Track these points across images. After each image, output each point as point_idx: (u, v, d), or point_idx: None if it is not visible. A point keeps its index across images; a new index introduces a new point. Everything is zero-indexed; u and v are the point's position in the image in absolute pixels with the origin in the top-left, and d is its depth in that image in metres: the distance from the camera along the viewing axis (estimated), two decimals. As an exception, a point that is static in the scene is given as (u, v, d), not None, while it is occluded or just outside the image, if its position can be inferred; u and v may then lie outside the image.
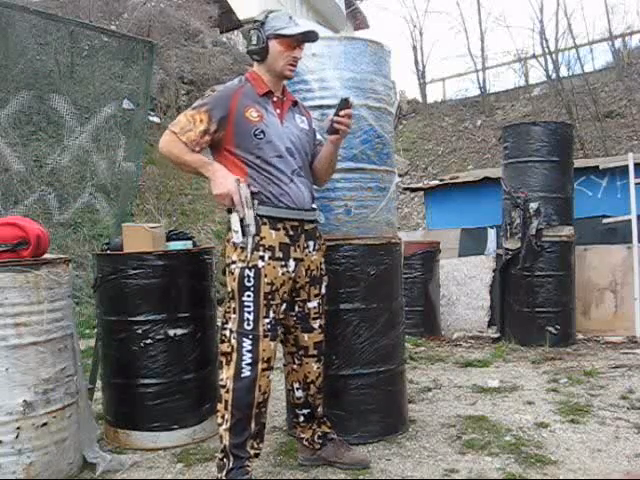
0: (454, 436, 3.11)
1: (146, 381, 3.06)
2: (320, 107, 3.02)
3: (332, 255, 2.99)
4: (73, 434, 2.72)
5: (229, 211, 2.46)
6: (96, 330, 3.75)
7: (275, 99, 2.57)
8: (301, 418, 2.78)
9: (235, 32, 18.08)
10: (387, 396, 3.11)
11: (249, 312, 2.40)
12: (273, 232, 2.44)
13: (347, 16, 26.90)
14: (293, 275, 2.52)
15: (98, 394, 3.57)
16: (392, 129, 3.25)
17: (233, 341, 2.43)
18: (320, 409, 2.79)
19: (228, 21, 16.43)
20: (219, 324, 2.59)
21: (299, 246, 2.53)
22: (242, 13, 17.35)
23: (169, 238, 3.30)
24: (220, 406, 2.46)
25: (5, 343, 2.48)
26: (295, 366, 2.71)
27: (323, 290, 2.69)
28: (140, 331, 3.05)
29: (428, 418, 3.44)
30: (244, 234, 2.39)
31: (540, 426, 3.23)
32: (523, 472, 2.62)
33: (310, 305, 2.64)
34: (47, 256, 2.75)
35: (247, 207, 2.38)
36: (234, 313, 2.43)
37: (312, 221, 2.62)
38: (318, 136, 2.77)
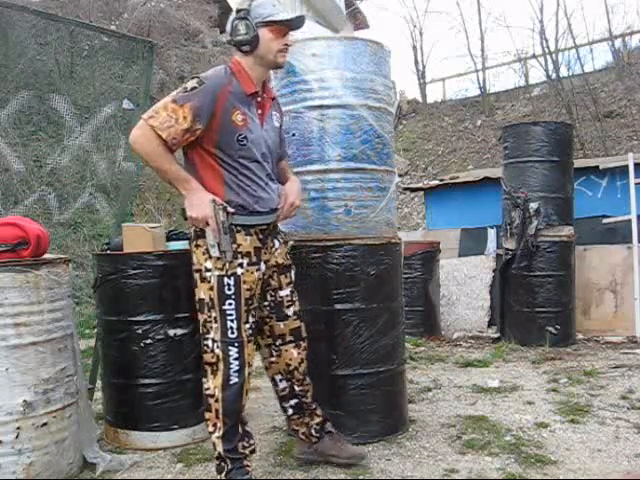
0: (454, 436, 3.11)
1: (146, 381, 3.06)
2: (320, 107, 3.02)
3: (332, 255, 2.99)
4: (73, 434, 2.72)
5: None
6: (96, 330, 3.75)
7: (259, 99, 2.49)
8: (290, 411, 2.74)
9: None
10: (387, 396, 3.11)
11: (232, 320, 2.38)
12: (248, 238, 2.43)
13: (347, 16, 26.89)
14: (264, 276, 2.53)
15: (98, 394, 3.57)
16: (392, 129, 3.25)
17: (217, 350, 2.40)
18: (309, 398, 2.74)
19: (228, 21, 16.41)
20: (200, 332, 2.49)
21: (267, 248, 2.53)
22: (242, 13, 17.31)
23: (169, 238, 3.30)
24: (210, 415, 2.44)
25: (5, 343, 2.48)
26: (274, 358, 2.67)
27: (293, 277, 2.69)
28: (140, 331, 3.04)
29: (428, 418, 3.43)
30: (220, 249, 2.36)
31: (540, 426, 3.23)
32: (523, 472, 2.62)
33: (282, 293, 2.62)
34: (47, 256, 2.75)
35: (223, 232, 2.32)
36: (215, 322, 2.39)
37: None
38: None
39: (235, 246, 2.38)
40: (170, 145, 2.29)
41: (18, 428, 2.49)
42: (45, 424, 2.56)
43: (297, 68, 3.04)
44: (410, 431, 3.20)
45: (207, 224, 2.31)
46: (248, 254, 2.42)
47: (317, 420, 2.76)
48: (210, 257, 2.37)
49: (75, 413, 2.75)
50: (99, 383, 3.50)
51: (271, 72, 3.09)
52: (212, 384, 2.42)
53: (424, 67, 18.16)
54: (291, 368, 2.67)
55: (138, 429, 3.08)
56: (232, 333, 2.38)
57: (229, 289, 2.36)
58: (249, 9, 2.39)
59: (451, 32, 43.51)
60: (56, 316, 2.65)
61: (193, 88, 2.31)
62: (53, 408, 2.60)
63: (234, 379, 2.39)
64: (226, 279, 2.36)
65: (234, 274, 2.37)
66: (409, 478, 2.62)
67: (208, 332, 2.42)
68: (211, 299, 2.39)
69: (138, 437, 3.08)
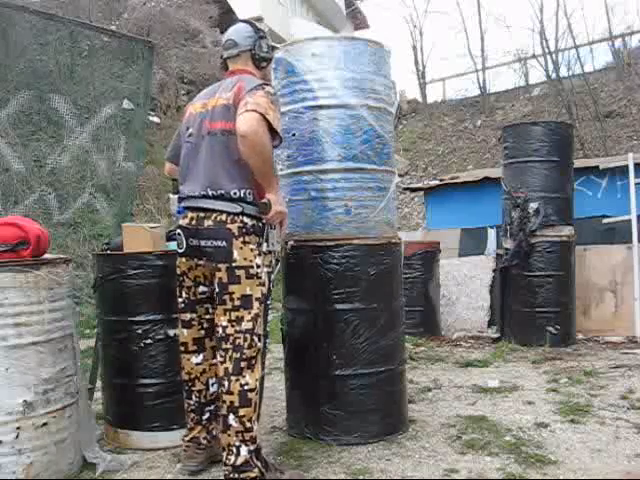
0: (454, 436, 3.11)
1: (146, 381, 3.06)
2: (320, 107, 3.02)
3: (332, 255, 2.99)
4: (73, 434, 2.72)
5: (241, 212, 2.44)
6: (96, 330, 3.75)
7: None
8: (206, 415, 2.75)
9: (235, 32, 18.00)
10: (387, 396, 3.11)
11: (267, 314, 2.55)
12: None
13: (347, 16, 26.90)
14: None
15: (98, 394, 3.56)
16: (392, 129, 3.25)
17: (259, 344, 2.49)
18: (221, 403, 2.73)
19: (228, 21, 16.42)
20: (227, 330, 2.47)
21: None
22: (242, 13, 17.35)
23: (169, 238, 3.30)
24: (248, 410, 2.43)
25: (5, 343, 2.48)
26: (215, 360, 2.65)
27: None
28: (140, 331, 3.04)
29: (428, 418, 3.43)
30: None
31: (540, 426, 3.23)
32: (523, 472, 2.62)
33: None
34: (47, 256, 2.75)
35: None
36: (260, 317, 2.49)
37: None
38: None
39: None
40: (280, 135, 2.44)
41: (18, 428, 2.49)
42: (45, 424, 2.56)
43: (297, 68, 3.05)
44: (410, 431, 3.20)
45: (280, 221, 2.52)
46: None
47: (214, 425, 2.78)
48: (259, 254, 2.46)
49: (75, 413, 2.75)
50: (99, 383, 3.50)
51: (271, 72, 3.14)
52: (251, 378, 2.45)
53: (424, 67, 18.19)
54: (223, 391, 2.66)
55: (138, 429, 3.08)
56: (267, 327, 2.57)
57: (273, 286, 2.58)
58: (264, 35, 2.63)
59: (451, 32, 43.58)
60: (56, 316, 2.65)
61: (274, 93, 2.50)
62: (53, 408, 2.60)
63: (262, 371, 2.55)
64: (272, 276, 2.56)
65: (272, 272, 2.57)
66: (409, 478, 2.62)
67: (254, 328, 2.46)
68: (263, 294, 2.49)
69: (138, 437, 3.07)
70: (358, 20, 28.51)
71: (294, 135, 3.08)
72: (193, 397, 2.74)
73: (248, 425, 2.43)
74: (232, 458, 2.43)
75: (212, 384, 2.73)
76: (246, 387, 2.43)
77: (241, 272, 2.42)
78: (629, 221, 5.89)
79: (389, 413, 3.13)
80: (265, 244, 2.46)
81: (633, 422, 3.25)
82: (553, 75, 14.47)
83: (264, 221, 2.48)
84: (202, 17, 14.81)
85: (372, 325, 3.03)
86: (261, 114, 2.31)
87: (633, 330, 5.73)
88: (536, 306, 5.49)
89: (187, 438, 2.75)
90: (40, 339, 2.57)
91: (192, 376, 2.72)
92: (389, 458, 2.84)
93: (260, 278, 2.45)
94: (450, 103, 16.78)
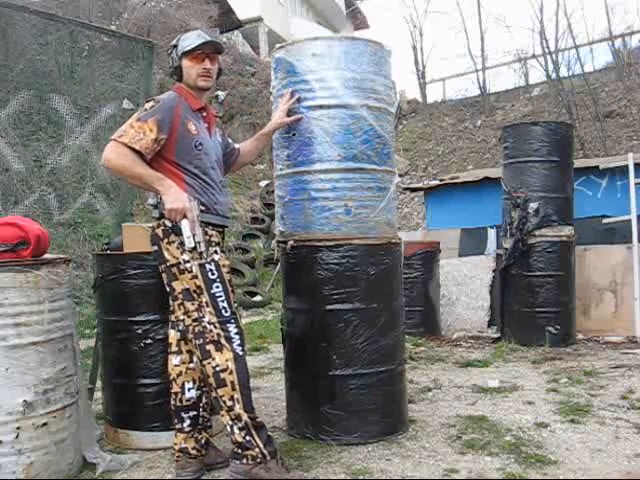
0: (454, 436, 3.11)
1: (146, 381, 3.06)
2: (320, 107, 3.02)
3: (332, 255, 2.99)
4: (73, 434, 2.72)
5: (161, 216, 2.56)
6: (96, 330, 3.75)
7: (205, 114, 2.75)
8: (186, 422, 2.74)
9: (235, 32, 18.08)
10: (387, 396, 3.11)
11: (222, 300, 2.56)
12: (214, 232, 2.64)
13: (347, 16, 26.91)
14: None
15: (98, 394, 3.57)
16: (392, 129, 3.25)
17: (216, 330, 2.54)
18: (207, 411, 2.80)
19: (228, 21, 16.44)
20: (185, 322, 2.61)
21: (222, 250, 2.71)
22: (242, 13, 17.37)
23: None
24: (225, 390, 2.51)
25: (5, 343, 2.48)
26: (193, 364, 2.71)
27: None
28: (140, 331, 3.05)
29: (428, 418, 3.43)
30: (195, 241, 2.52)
31: (540, 426, 3.23)
32: (523, 472, 2.62)
33: None
34: (47, 256, 2.75)
35: (197, 225, 2.51)
36: (207, 306, 2.55)
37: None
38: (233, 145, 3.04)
39: (207, 237, 2.56)
40: (145, 155, 2.49)
41: (18, 428, 2.49)
42: (45, 424, 2.56)
43: (297, 68, 3.05)
44: (410, 431, 3.20)
45: (184, 216, 2.49)
46: (218, 244, 2.63)
47: (203, 435, 2.79)
48: (185, 250, 2.53)
49: (75, 413, 2.75)
50: (99, 383, 3.50)
51: (272, 72, 3.13)
52: (221, 359, 2.53)
53: (424, 67, 18.19)
54: (205, 376, 2.67)
55: (138, 429, 3.08)
56: (226, 312, 2.56)
57: (212, 274, 2.55)
58: (177, 44, 2.69)
59: (451, 32, 43.62)
60: (56, 316, 2.66)
61: (152, 107, 2.57)
62: (53, 408, 2.60)
63: (240, 352, 2.55)
64: (208, 266, 2.55)
65: (213, 260, 2.56)
66: (409, 478, 2.63)
67: (204, 316, 2.56)
68: (198, 287, 2.55)
69: (138, 437, 3.08)
70: (358, 20, 28.54)
71: (294, 135, 3.08)
72: (171, 400, 2.77)
73: (229, 404, 2.53)
74: (232, 437, 2.57)
75: (189, 389, 2.73)
76: (217, 368, 2.53)
77: (174, 269, 2.57)
78: (629, 221, 5.89)
79: (389, 413, 3.13)
80: (187, 240, 2.51)
81: (633, 422, 3.25)
82: (553, 75, 14.48)
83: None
84: (202, 17, 14.80)
85: (372, 325, 3.03)
86: (114, 140, 2.48)
87: (633, 330, 5.73)
88: (536, 306, 5.49)
89: (176, 448, 2.75)
90: (40, 339, 2.57)
91: (171, 377, 2.77)
92: (389, 458, 2.84)
93: (191, 272, 2.54)
94: (450, 103, 16.79)
